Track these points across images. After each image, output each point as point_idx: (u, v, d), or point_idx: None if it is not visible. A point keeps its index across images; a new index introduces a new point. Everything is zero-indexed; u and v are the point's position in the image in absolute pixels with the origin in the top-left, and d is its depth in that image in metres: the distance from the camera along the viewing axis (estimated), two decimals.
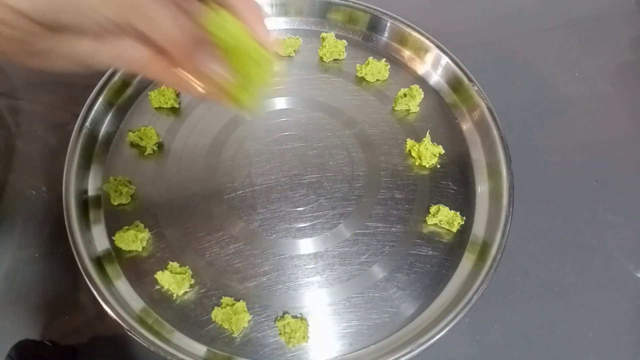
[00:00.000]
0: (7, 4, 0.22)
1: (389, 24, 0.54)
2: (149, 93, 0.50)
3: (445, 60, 0.52)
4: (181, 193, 0.46)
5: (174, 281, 0.41)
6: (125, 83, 0.50)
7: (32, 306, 0.43)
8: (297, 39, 0.54)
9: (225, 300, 0.41)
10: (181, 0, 0.24)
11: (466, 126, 0.50)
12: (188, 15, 0.25)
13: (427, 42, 0.52)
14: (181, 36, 0.25)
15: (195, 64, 0.26)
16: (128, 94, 0.51)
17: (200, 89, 0.28)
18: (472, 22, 0.60)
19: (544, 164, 0.51)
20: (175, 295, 0.41)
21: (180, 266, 0.42)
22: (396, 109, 0.51)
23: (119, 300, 0.40)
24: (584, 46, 0.59)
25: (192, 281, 0.42)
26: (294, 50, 0.53)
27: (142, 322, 0.40)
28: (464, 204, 0.47)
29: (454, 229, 0.45)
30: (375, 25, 0.54)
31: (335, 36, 0.53)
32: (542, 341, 0.43)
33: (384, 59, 0.52)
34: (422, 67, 0.53)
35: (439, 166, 0.48)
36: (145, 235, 0.43)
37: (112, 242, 0.43)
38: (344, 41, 0.53)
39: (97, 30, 0.23)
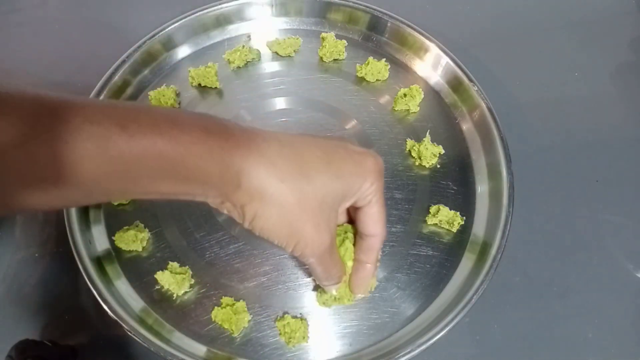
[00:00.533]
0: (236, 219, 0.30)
1: (389, 24, 0.54)
2: (148, 93, 0.50)
3: (445, 60, 0.51)
4: None
5: (174, 281, 0.41)
6: (125, 83, 0.50)
7: (32, 306, 0.43)
8: (297, 39, 0.53)
9: (225, 300, 0.41)
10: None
11: (466, 126, 0.50)
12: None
13: (427, 42, 0.52)
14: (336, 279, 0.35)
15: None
16: (128, 94, 0.51)
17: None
18: (472, 22, 0.60)
19: (544, 164, 0.51)
20: (175, 295, 0.41)
21: (180, 266, 0.42)
22: (396, 109, 0.51)
23: (119, 300, 0.40)
24: (584, 46, 0.59)
25: (192, 281, 0.42)
26: (294, 50, 0.53)
27: (142, 322, 0.40)
28: (464, 204, 0.47)
29: (454, 229, 0.45)
30: (375, 25, 0.54)
31: (335, 36, 0.53)
32: (542, 341, 0.43)
33: (384, 59, 0.52)
34: (422, 67, 0.53)
35: (439, 166, 0.48)
36: (145, 235, 0.43)
37: (112, 242, 0.43)
38: (344, 41, 0.53)
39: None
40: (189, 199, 0.28)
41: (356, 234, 0.35)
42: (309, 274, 0.43)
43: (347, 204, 0.32)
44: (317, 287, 0.40)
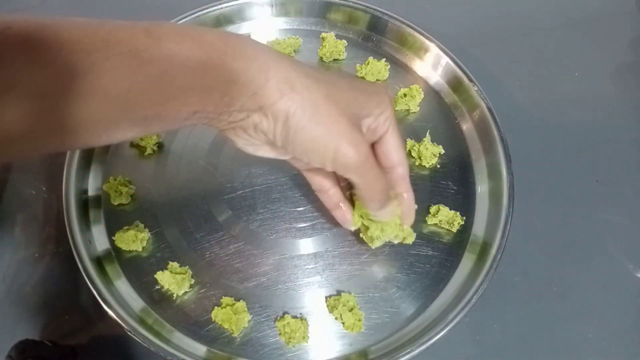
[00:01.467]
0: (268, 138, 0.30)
1: (389, 24, 0.54)
2: None
3: (445, 60, 0.51)
4: (181, 193, 0.46)
5: (174, 281, 0.41)
6: None
7: (32, 306, 0.43)
8: (297, 39, 0.53)
9: (225, 300, 0.41)
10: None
11: (466, 126, 0.50)
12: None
13: (427, 42, 0.52)
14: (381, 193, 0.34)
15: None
16: None
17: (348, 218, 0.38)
18: (472, 22, 0.60)
19: (544, 164, 0.51)
20: (175, 295, 0.41)
21: (180, 266, 0.42)
22: (396, 109, 0.51)
23: (119, 300, 0.40)
24: (584, 46, 0.59)
25: (192, 281, 0.42)
26: (294, 50, 0.53)
27: (142, 322, 0.40)
28: (464, 204, 0.47)
29: (454, 229, 0.45)
30: (375, 25, 0.54)
31: (335, 36, 0.53)
32: (542, 341, 0.43)
33: (384, 59, 0.52)
34: (422, 67, 0.53)
35: (439, 166, 0.48)
36: (145, 235, 0.43)
37: (112, 242, 0.43)
38: (344, 41, 0.53)
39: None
40: (216, 115, 0.28)
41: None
42: (309, 273, 0.43)
43: (367, 121, 0.31)
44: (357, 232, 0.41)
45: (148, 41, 0.25)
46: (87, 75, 0.23)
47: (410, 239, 0.40)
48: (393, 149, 0.33)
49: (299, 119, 0.27)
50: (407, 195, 0.36)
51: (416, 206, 0.38)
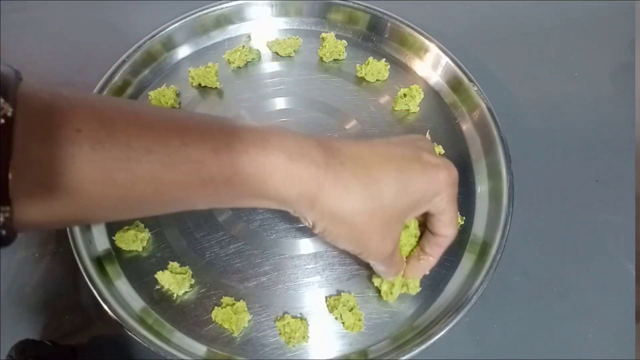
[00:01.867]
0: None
1: (389, 24, 0.54)
2: (149, 93, 0.50)
3: (445, 60, 0.51)
4: None
5: (174, 281, 0.41)
6: (125, 83, 0.50)
7: (32, 306, 0.43)
8: (297, 39, 0.53)
9: (226, 300, 0.41)
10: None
11: (466, 126, 0.50)
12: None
13: (427, 42, 0.52)
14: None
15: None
16: (128, 94, 0.51)
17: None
18: (472, 22, 0.60)
19: (544, 164, 0.51)
20: (175, 295, 0.41)
21: (180, 266, 0.42)
22: (396, 109, 0.51)
23: (119, 300, 0.40)
24: (584, 46, 0.59)
25: (192, 281, 0.42)
26: (294, 50, 0.53)
27: (142, 322, 0.40)
28: (464, 204, 0.47)
29: None
30: (375, 25, 0.54)
31: (335, 36, 0.53)
32: (542, 341, 0.43)
33: (384, 59, 0.52)
34: (422, 67, 0.53)
35: None
36: (145, 235, 0.43)
37: (112, 242, 0.43)
38: (344, 41, 0.53)
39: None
40: (265, 207, 0.31)
41: (425, 225, 0.37)
42: (309, 273, 0.43)
43: (416, 215, 0.33)
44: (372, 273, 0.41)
45: (213, 162, 0.26)
46: (147, 186, 0.25)
47: (414, 292, 0.40)
48: (442, 225, 0.35)
49: (334, 237, 0.32)
50: (431, 259, 0.38)
51: (427, 273, 0.39)
